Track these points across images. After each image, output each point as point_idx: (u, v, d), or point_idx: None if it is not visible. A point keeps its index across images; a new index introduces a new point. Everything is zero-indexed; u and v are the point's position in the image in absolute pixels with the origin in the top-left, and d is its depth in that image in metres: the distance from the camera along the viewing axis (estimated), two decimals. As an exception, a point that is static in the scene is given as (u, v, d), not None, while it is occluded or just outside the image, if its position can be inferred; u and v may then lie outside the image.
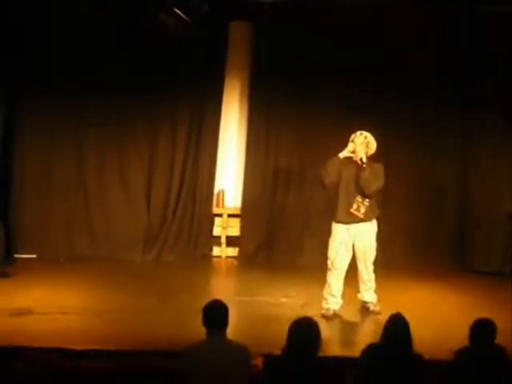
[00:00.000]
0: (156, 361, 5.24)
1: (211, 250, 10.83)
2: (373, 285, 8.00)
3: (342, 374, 5.06)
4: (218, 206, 10.83)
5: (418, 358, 5.11)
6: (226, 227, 10.80)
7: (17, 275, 9.12)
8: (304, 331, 4.92)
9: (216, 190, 10.83)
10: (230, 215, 10.83)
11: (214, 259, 10.78)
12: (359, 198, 7.67)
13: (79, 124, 10.43)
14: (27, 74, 10.07)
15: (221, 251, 10.81)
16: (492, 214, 10.28)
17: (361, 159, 7.62)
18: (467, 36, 10.24)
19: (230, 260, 10.75)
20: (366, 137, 7.71)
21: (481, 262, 10.24)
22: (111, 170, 10.58)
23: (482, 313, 5.61)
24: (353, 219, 7.67)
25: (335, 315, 7.75)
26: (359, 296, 8.05)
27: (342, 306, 7.86)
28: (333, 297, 7.80)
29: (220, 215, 10.83)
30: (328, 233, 7.90)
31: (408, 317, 5.20)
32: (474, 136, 10.47)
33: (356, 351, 5.64)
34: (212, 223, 10.81)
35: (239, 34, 10.65)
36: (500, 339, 5.24)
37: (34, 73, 10.07)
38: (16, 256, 10.15)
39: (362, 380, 5.08)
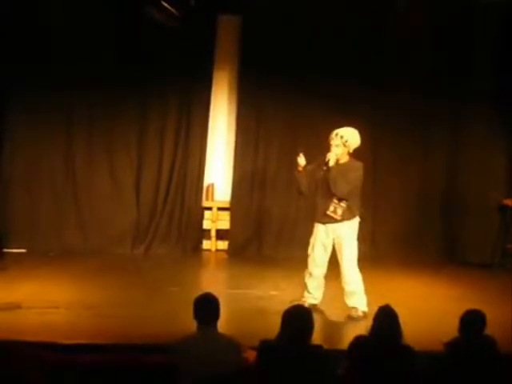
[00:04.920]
0: (146, 354, 5.22)
1: (201, 243, 10.83)
2: (353, 289, 7.62)
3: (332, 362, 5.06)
4: (207, 199, 10.82)
5: (408, 349, 5.12)
6: (215, 220, 10.79)
7: (6, 269, 9.09)
8: (298, 318, 4.94)
9: (205, 183, 10.82)
10: (219, 208, 10.82)
11: (204, 252, 10.78)
12: (335, 200, 7.49)
13: (68, 118, 10.42)
14: (14, 71, 10.05)
15: (210, 244, 10.80)
16: (481, 206, 10.32)
17: (327, 161, 7.45)
18: (456, 27, 10.24)
19: (219, 253, 10.75)
20: (341, 137, 7.48)
21: (470, 254, 10.29)
22: (100, 164, 10.57)
23: (472, 304, 5.63)
24: (329, 220, 7.56)
25: (315, 309, 7.50)
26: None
27: (321, 302, 7.76)
28: (309, 293, 7.76)
29: (210, 208, 10.82)
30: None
31: (398, 309, 5.21)
32: (463, 127, 10.51)
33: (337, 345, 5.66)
34: (202, 216, 10.80)
35: (228, 28, 10.66)
36: (490, 330, 5.25)
37: (21, 70, 10.04)
38: (5, 250, 10.11)
39: (351, 372, 5.08)
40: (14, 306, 7.44)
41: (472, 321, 5.20)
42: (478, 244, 10.26)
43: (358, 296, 7.62)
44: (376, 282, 8.51)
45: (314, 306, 7.62)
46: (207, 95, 10.64)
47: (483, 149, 10.42)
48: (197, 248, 10.77)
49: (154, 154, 10.61)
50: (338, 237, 7.60)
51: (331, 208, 7.50)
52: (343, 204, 7.50)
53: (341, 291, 7.67)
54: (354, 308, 7.60)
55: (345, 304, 7.65)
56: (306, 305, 7.47)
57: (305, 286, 7.79)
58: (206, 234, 10.84)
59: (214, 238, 10.80)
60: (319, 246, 7.66)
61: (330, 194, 7.51)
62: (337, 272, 7.67)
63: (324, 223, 7.60)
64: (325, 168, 7.48)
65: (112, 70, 10.16)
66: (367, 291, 7.74)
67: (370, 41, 10.14)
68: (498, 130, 10.37)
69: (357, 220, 7.64)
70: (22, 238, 10.31)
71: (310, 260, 7.74)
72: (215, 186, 10.88)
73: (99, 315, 7.32)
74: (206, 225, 10.82)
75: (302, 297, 7.75)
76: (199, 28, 10.21)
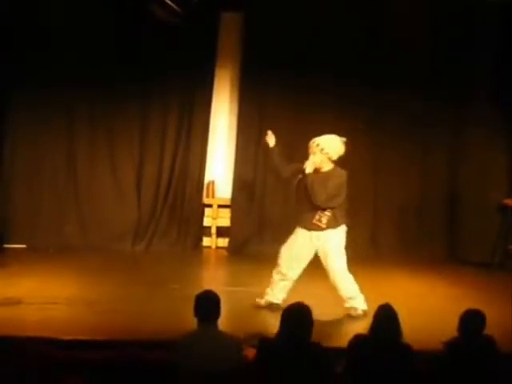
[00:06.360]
0: (146, 351, 5.22)
1: (201, 240, 10.84)
2: (349, 294, 7.54)
3: (331, 360, 5.08)
4: (208, 196, 10.83)
5: (407, 348, 5.12)
6: (216, 218, 10.80)
7: (6, 265, 9.11)
8: (298, 316, 4.95)
9: (206, 180, 10.83)
10: (220, 206, 10.83)
11: (204, 250, 10.79)
12: (319, 209, 7.43)
13: (69, 115, 10.45)
14: (15, 69, 10.07)
15: (211, 242, 10.82)
16: (482, 205, 10.32)
17: (304, 169, 7.42)
18: (456, 27, 10.24)
19: (220, 250, 10.76)
20: (317, 145, 7.41)
21: (470, 253, 10.28)
22: (101, 160, 10.58)
23: (472, 303, 5.63)
24: (314, 228, 7.46)
25: (272, 308, 7.49)
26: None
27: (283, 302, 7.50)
28: (272, 291, 7.67)
29: (210, 206, 10.82)
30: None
31: (397, 307, 5.21)
32: (464, 127, 10.50)
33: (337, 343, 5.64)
34: (202, 214, 10.80)
35: (231, 25, 10.67)
36: (489, 330, 5.25)
37: (22, 65, 10.05)
38: (6, 246, 10.13)
39: (350, 370, 5.09)
40: (14, 302, 7.46)
41: (472, 320, 5.20)
42: (478, 244, 10.25)
43: (355, 298, 7.58)
44: (376, 281, 8.53)
45: (272, 304, 7.58)
46: (209, 93, 10.64)
47: (484, 148, 10.40)
48: (197, 245, 10.78)
49: (155, 152, 10.62)
50: (323, 246, 7.49)
51: (316, 217, 7.40)
52: (327, 212, 7.41)
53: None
54: (352, 308, 7.56)
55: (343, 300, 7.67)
56: (263, 302, 7.61)
57: (270, 282, 7.69)
58: (206, 231, 10.85)
59: (214, 236, 10.81)
60: (299, 246, 7.55)
61: (312, 203, 7.43)
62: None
63: (309, 230, 7.51)
64: (300, 176, 7.48)
65: (113, 68, 10.17)
66: (367, 290, 7.72)
67: (372, 42, 10.16)
68: (499, 130, 10.36)
69: (343, 229, 7.54)
70: (23, 233, 10.33)
71: (283, 260, 7.61)
72: (216, 184, 10.88)
73: (99, 311, 7.32)
74: (207, 222, 10.83)
75: (265, 293, 7.69)
76: (201, 25, 10.22)
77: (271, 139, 7.68)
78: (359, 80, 10.21)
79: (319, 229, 7.45)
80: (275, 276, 7.67)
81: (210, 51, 10.50)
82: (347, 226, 7.58)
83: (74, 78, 10.14)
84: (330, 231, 7.46)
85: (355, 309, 7.53)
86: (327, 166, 7.49)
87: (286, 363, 4.84)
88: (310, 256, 7.58)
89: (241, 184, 10.71)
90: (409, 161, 10.62)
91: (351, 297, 7.56)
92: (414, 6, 9.99)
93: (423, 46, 10.28)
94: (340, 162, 7.59)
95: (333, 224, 7.45)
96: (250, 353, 5.16)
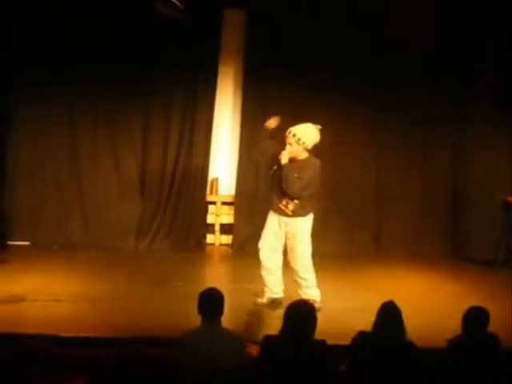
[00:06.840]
0: (149, 348, 5.22)
1: (205, 237, 10.83)
2: (307, 284, 7.62)
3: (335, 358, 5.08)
4: (211, 193, 10.82)
5: (410, 345, 5.12)
6: (219, 215, 10.79)
7: (10, 262, 9.11)
8: (301, 314, 4.95)
9: (210, 177, 10.82)
10: (223, 203, 10.82)
11: (208, 247, 10.77)
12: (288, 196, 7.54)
13: (72, 112, 10.42)
14: (18, 63, 10.04)
15: (214, 239, 10.81)
16: (485, 202, 10.30)
17: (279, 160, 7.50)
18: (457, 26, 10.22)
19: (223, 248, 10.75)
20: (294, 135, 7.51)
21: (473, 250, 10.27)
22: (104, 157, 10.56)
23: (475, 301, 5.63)
24: (281, 212, 7.56)
25: (275, 303, 7.62)
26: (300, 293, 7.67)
27: (284, 296, 7.67)
28: (268, 288, 7.74)
29: (214, 203, 10.81)
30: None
31: (400, 305, 5.22)
32: (466, 126, 10.49)
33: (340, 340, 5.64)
34: (206, 211, 10.80)
35: (233, 22, 10.63)
36: (492, 327, 5.25)
37: (23, 65, 10.04)
38: (9, 243, 10.13)
39: (353, 367, 5.09)
40: (18, 299, 7.47)
41: (475, 318, 5.20)
42: (481, 241, 10.25)
43: (312, 289, 7.63)
44: (379, 278, 8.52)
45: (273, 300, 7.66)
46: (212, 90, 10.62)
47: (486, 147, 10.38)
48: (200, 242, 10.76)
49: (158, 148, 10.59)
50: (290, 232, 7.59)
51: (283, 202, 7.49)
52: (296, 200, 7.49)
53: (341, 285, 7.69)
54: (312, 300, 7.46)
55: (347, 298, 7.67)
56: (265, 300, 7.67)
57: (263, 280, 7.77)
58: (209, 228, 10.84)
59: (217, 233, 10.80)
60: (270, 236, 7.66)
61: (283, 190, 7.52)
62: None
63: (278, 214, 7.61)
64: (275, 167, 7.54)
65: (115, 67, 10.15)
66: (370, 288, 7.75)
67: (375, 39, 10.14)
68: (501, 129, 10.34)
69: (310, 217, 7.63)
70: (26, 230, 10.32)
71: (261, 253, 7.71)
72: (219, 181, 10.88)
73: (102, 309, 7.34)
74: (210, 219, 10.81)
75: (263, 291, 7.77)
76: (204, 22, 10.19)
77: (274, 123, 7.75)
78: (363, 79, 10.18)
79: (286, 215, 7.54)
80: (262, 273, 7.77)
81: (212, 48, 10.47)
82: (314, 213, 7.65)
83: (75, 76, 10.13)
84: (297, 219, 7.55)
85: (314, 301, 7.46)
86: (303, 155, 7.58)
87: (290, 361, 4.84)
88: (282, 241, 7.67)
89: (244, 181, 10.70)
90: (412, 158, 10.59)
91: (309, 286, 7.62)
92: (415, 6, 10.00)
93: (423, 45, 10.26)
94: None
95: (300, 212, 7.54)
96: (253, 350, 5.16)
